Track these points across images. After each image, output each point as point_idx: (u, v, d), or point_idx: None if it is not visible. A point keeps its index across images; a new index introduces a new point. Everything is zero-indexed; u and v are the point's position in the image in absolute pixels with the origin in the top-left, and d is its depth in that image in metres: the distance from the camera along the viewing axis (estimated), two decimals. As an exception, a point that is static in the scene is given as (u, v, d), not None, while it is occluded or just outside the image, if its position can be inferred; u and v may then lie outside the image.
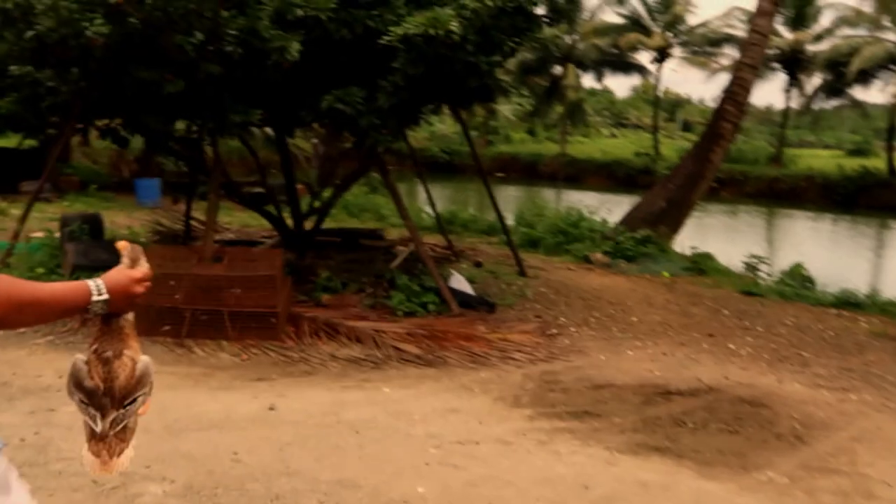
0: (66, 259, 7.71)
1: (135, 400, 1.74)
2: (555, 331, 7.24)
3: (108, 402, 1.71)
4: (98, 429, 1.71)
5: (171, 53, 6.25)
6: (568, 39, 41.69)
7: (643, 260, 10.90)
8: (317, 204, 9.17)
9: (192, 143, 7.61)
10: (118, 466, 1.72)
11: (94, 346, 1.73)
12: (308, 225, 9.05)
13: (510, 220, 14.00)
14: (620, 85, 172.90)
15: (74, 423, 2.20)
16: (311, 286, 7.80)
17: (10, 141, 16.70)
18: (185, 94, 6.51)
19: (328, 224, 12.61)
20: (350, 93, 6.64)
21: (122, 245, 1.78)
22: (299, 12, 6.17)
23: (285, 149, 8.57)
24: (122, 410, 1.72)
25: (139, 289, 1.71)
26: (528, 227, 12.86)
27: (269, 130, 23.19)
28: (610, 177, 37.03)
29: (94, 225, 8.96)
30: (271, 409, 4.89)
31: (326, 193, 9.71)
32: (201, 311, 6.31)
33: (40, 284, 1.63)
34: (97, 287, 1.65)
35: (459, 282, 8.08)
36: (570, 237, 11.90)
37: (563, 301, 8.46)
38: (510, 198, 28.79)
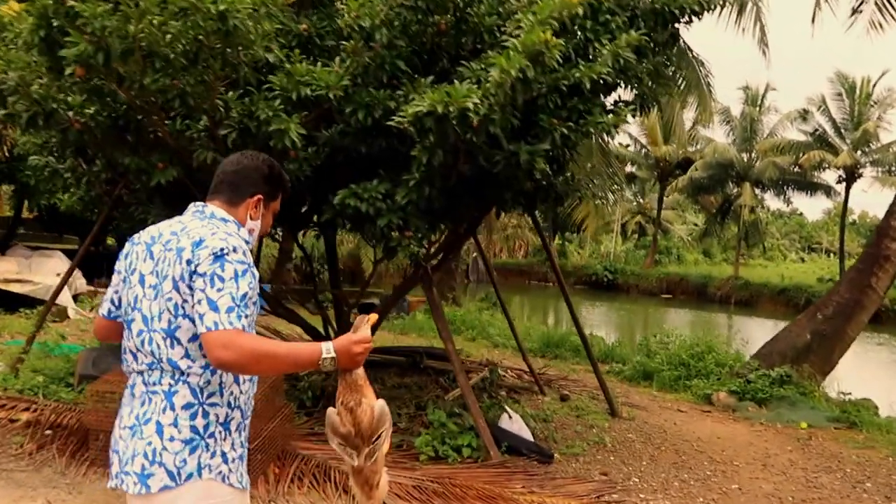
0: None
1: (380, 436, 2.27)
2: (615, 496, 5.59)
3: (360, 442, 2.26)
4: (355, 464, 2.27)
5: (165, 138, 5.47)
6: (745, 157, 39.53)
7: (777, 404, 8.90)
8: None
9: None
10: (380, 496, 2.30)
11: (341, 399, 2.27)
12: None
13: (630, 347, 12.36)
14: (813, 208, 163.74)
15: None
16: (338, 415, 6.61)
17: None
18: (182, 183, 5.71)
19: (419, 342, 11.51)
20: (367, 188, 5.56)
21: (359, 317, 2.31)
22: (306, 91, 5.22)
23: (332, 251, 7.57)
24: (371, 445, 2.26)
25: (358, 349, 2.19)
26: (647, 355, 11.10)
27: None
28: (788, 303, 33.65)
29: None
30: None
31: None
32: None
33: (279, 342, 2.42)
34: (327, 349, 2.14)
35: (515, 422, 6.61)
36: (693, 371, 10.06)
37: (650, 454, 6.75)
38: (670, 320, 26.53)
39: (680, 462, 6.59)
